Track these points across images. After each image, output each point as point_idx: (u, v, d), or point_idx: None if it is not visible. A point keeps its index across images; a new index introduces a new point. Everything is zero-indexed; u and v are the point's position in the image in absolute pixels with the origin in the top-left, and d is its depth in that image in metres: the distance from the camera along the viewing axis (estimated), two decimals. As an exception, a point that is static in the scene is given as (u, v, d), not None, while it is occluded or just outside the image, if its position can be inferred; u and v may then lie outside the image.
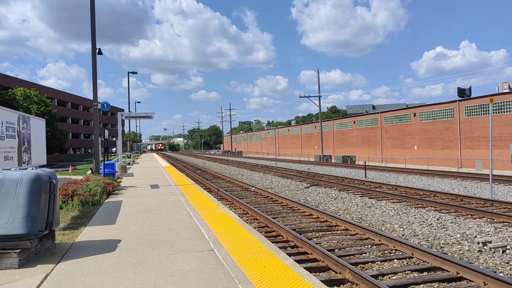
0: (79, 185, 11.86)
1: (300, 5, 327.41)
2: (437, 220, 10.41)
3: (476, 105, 35.40)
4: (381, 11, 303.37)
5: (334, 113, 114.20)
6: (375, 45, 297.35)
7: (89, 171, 22.49)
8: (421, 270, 6.42)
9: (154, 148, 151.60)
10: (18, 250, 5.05)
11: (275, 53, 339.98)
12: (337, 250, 7.73)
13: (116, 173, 20.27)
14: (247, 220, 10.60)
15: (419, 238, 8.94)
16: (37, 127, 13.98)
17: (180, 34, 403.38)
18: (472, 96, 37.91)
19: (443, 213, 11.35)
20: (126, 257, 5.46)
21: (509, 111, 32.33)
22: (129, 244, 6.16)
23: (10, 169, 5.62)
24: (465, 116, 36.52)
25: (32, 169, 5.52)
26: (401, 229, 9.85)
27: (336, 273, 6.20)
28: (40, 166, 9.90)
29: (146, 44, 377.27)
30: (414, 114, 43.08)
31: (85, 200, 10.64)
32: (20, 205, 5.09)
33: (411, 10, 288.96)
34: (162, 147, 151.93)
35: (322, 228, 9.67)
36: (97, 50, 17.54)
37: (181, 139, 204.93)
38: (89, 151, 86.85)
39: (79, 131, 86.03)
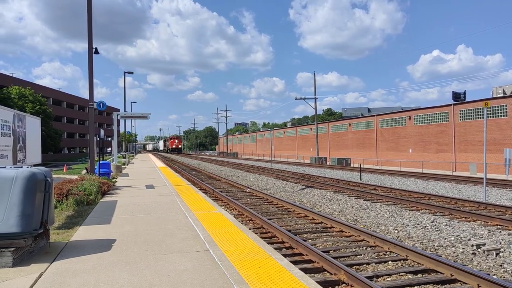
0: (74, 184, 11.78)
1: (298, 7, 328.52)
2: (432, 222, 10.46)
3: (471, 109, 35.63)
4: (379, 14, 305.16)
5: (330, 116, 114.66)
6: (373, 48, 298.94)
7: (84, 171, 22.39)
8: (415, 272, 6.45)
9: (164, 147, 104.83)
10: (12, 249, 5.02)
11: (272, 54, 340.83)
12: (332, 251, 7.75)
13: (111, 173, 20.18)
14: (243, 221, 10.59)
15: (414, 241, 8.99)
16: (33, 126, 13.89)
17: (177, 34, 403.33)
18: (466, 100, 38.12)
19: (437, 215, 11.40)
20: (121, 256, 5.44)
21: (504, 116, 32.58)
22: (124, 244, 6.14)
23: (5, 167, 5.58)
24: (460, 120, 36.74)
25: (27, 167, 5.48)
26: (396, 231, 9.89)
27: (331, 274, 6.21)
28: (35, 165, 9.85)
29: (143, 44, 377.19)
30: (409, 118, 43.28)
31: (80, 199, 10.57)
32: (15, 203, 5.05)
33: (409, 13, 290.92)
34: (179, 146, 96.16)
35: (317, 229, 9.68)
36: (94, 49, 17.49)
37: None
38: (84, 150, 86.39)
39: (74, 131, 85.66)
